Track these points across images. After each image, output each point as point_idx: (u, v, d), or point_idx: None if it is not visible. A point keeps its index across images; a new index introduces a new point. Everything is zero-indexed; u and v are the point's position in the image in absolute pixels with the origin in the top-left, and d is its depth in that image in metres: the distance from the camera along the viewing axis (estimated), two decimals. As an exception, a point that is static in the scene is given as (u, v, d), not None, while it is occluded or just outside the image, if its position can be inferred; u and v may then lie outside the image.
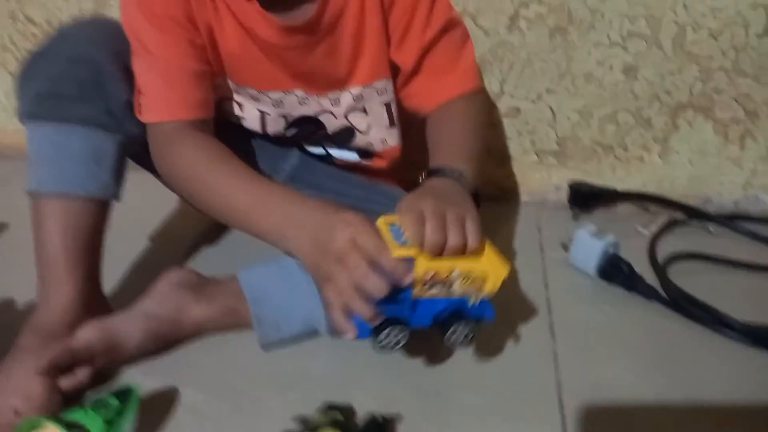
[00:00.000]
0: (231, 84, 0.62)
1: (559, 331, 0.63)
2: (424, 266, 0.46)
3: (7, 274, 0.67)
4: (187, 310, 0.58)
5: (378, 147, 0.67)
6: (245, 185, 0.53)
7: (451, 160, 0.56)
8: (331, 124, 0.65)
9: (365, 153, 0.68)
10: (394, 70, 0.63)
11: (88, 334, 0.52)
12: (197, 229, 0.77)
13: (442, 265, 0.46)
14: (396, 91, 0.65)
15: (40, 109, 0.56)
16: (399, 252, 0.45)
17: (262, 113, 0.64)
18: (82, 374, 0.52)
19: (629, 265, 0.71)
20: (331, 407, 0.51)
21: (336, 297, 0.45)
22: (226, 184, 0.54)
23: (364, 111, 0.65)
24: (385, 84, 0.63)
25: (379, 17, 0.59)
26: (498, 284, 0.48)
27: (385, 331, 0.46)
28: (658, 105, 0.80)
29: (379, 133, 0.66)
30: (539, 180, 0.88)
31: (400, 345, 0.47)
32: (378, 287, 0.44)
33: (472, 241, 0.46)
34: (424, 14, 0.59)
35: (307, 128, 0.66)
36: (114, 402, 0.48)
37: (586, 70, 0.79)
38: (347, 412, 0.51)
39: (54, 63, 0.56)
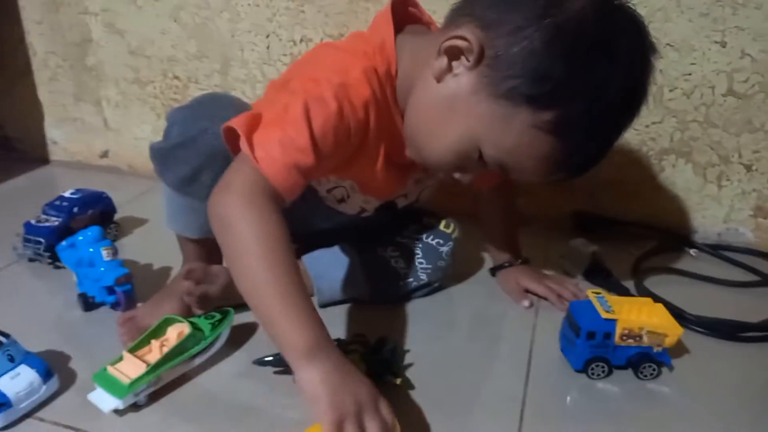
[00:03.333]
0: (347, 183, 0.74)
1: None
2: (622, 325, 0.67)
3: (149, 250, 0.95)
4: None
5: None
6: (284, 295, 0.54)
7: (509, 251, 0.87)
8: (402, 203, 0.81)
9: None
10: None
11: (221, 267, 0.76)
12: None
13: (635, 324, 0.67)
14: None
15: (182, 189, 0.72)
16: (606, 315, 0.67)
17: (363, 208, 0.79)
18: (198, 288, 0.73)
19: (608, 270, 0.90)
20: (360, 334, 0.73)
21: None
22: (268, 281, 0.55)
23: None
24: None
25: None
26: (675, 341, 0.68)
27: (594, 365, 0.69)
28: (646, 149, 1.00)
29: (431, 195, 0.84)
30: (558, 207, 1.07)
31: (603, 376, 0.69)
32: None
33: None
34: None
35: (384, 209, 0.80)
36: (217, 315, 0.72)
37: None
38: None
39: (194, 155, 0.68)
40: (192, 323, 0.69)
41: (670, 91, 0.95)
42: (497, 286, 0.88)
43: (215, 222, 0.59)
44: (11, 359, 0.62)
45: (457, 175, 0.66)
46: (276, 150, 0.59)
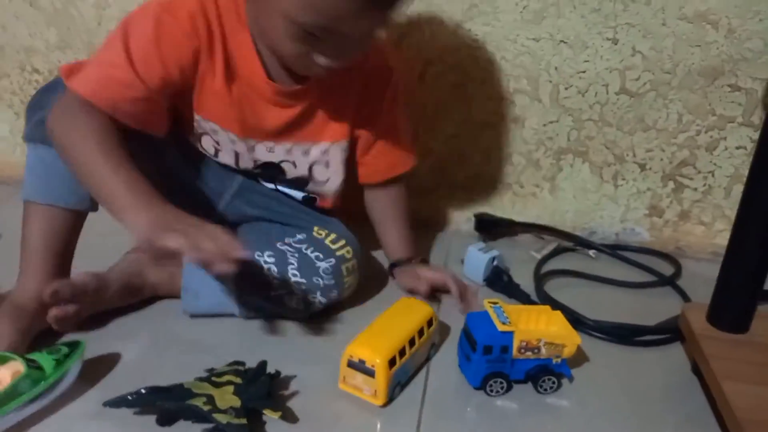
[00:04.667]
0: (208, 125, 0.72)
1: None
2: (520, 337, 0.63)
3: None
4: (146, 273, 0.75)
5: (327, 194, 0.81)
6: (107, 169, 0.60)
7: (406, 248, 0.84)
8: (291, 172, 0.78)
9: (311, 195, 0.82)
10: (354, 138, 0.80)
11: (83, 275, 0.68)
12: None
13: (532, 336, 0.63)
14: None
15: (36, 133, 0.67)
16: (502, 327, 0.62)
17: (237, 154, 0.76)
18: (71, 308, 0.65)
19: (509, 275, 0.86)
20: (236, 362, 0.64)
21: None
22: (91, 161, 0.61)
23: (327, 165, 0.79)
24: (346, 144, 0.79)
25: (356, 96, 0.77)
26: (574, 350, 0.65)
27: (492, 382, 0.64)
28: (544, 149, 0.98)
29: (333, 185, 0.80)
30: (457, 211, 1.04)
31: (503, 392, 0.65)
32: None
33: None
34: (387, 108, 0.79)
35: (271, 172, 0.79)
36: (64, 349, 0.62)
37: (482, 119, 0.97)
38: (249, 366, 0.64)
39: (55, 96, 0.65)
40: (29, 360, 0.58)
41: (566, 89, 0.93)
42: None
43: (54, 141, 0.64)
44: None
45: (320, 60, 0.65)
46: (92, 72, 0.64)
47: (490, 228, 1.00)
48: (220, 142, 0.75)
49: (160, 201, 0.60)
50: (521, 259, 0.93)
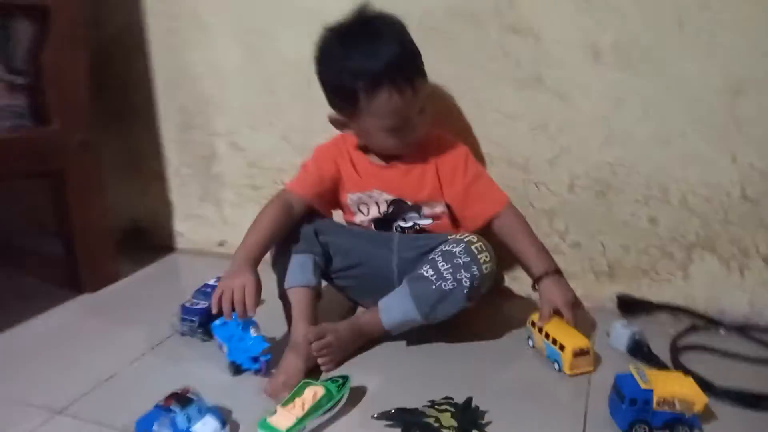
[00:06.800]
0: (355, 196, 1.16)
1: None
2: (658, 394, 0.84)
3: (272, 323, 1.19)
4: (357, 318, 1.12)
5: (438, 213, 1.16)
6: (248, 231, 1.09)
7: (543, 261, 1.11)
8: (409, 202, 1.15)
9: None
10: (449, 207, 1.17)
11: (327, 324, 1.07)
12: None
13: (668, 394, 0.84)
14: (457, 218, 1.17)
15: (279, 258, 1.13)
16: (645, 385, 0.85)
17: (377, 203, 1.16)
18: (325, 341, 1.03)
19: (648, 346, 1.08)
20: (447, 396, 0.93)
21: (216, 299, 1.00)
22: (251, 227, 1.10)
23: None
24: (437, 205, 1.15)
25: (434, 172, 1.15)
26: (702, 408, 0.85)
27: (636, 427, 0.86)
28: (677, 244, 1.19)
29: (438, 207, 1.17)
30: (602, 292, 1.28)
31: None
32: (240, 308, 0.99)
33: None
34: (460, 172, 1.14)
35: (399, 204, 1.15)
36: (339, 380, 0.95)
37: (623, 219, 1.22)
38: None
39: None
40: (324, 385, 0.92)
41: (693, 196, 1.16)
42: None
43: None
44: (200, 411, 0.86)
45: (407, 138, 1.10)
46: (293, 179, 1.19)
47: (630, 307, 1.23)
48: (365, 203, 1.17)
49: (243, 263, 1.03)
50: (658, 334, 1.13)
